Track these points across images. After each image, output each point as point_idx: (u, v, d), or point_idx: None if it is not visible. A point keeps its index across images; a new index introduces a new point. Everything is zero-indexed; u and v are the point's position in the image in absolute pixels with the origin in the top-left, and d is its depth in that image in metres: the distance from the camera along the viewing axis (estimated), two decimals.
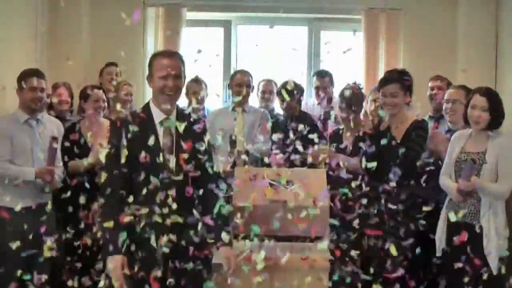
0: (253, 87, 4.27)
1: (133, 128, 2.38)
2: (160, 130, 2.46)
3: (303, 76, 5.13)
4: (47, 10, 4.53)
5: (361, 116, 3.69)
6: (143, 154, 2.34)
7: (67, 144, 3.54)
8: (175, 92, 2.46)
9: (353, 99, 3.54)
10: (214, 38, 5.26)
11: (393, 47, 4.86)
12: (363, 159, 3.18)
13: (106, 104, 3.71)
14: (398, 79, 3.21)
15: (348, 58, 5.18)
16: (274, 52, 5.28)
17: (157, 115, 2.48)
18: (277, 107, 4.59)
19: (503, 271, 2.92)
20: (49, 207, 3.26)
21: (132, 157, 2.35)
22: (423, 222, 3.20)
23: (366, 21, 4.88)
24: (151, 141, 2.37)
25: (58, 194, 3.51)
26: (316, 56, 5.19)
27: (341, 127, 3.71)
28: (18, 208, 3.14)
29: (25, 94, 3.25)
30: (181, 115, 2.54)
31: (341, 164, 3.36)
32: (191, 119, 2.55)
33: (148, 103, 2.54)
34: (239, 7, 5.06)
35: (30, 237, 3.18)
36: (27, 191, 3.20)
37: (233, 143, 3.74)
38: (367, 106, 4.04)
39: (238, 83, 4.08)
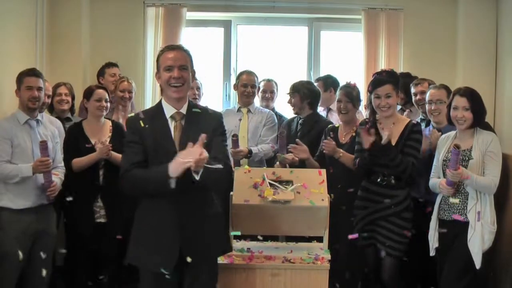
0: (259, 87, 4.28)
1: (144, 123, 2.43)
2: (171, 124, 2.48)
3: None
4: (46, 10, 4.52)
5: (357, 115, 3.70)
6: (156, 148, 2.39)
7: (69, 143, 3.54)
8: (182, 84, 2.45)
9: (355, 98, 3.56)
10: (214, 38, 5.25)
11: (393, 47, 4.84)
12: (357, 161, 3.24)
13: (108, 104, 3.69)
14: (391, 80, 3.20)
15: (348, 58, 5.19)
16: (274, 52, 5.29)
17: (168, 110, 2.50)
18: (278, 107, 4.59)
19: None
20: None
21: (146, 151, 2.42)
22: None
23: (366, 21, 4.87)
24: (163, 134, 2.42)
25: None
26: (316, 56, 5.18)
27: (336, 125, 3.72)
28: (20, 208, 3.15)
29: (23, 93, 3.23)
30: (193, 108, 2.54)
31: (336, 156, 3.39)
32: (207, 114, 2.56)
33: (160, 100, 2.57)
34: (239, 7, 5.05)
35: (32, 236, 3.19)
36: (29, 192, 3.19)
37: (235, 142, 3.73)
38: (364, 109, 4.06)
39: (244, 83, 4.08)
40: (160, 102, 2.56)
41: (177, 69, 2.44)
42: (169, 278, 2.41)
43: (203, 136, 2.28)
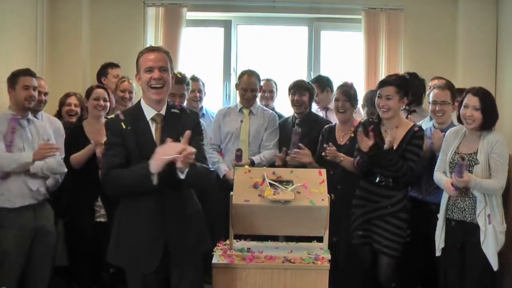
0: (261, 87, 4.19)
1: (126, 125, 2.42)
2: (153, 126, 2.48)
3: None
4: (46, 10, 4.52)
5: (353, 115, 3.69)
6: (138, 150, 2.39)
7: (70, 143, 3.54)
8: (163, 85, 2.46)
9: (353, 96, 3.56)
10: (214, 38, 5.25)
11: (393, 47, 4.85)
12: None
13: (108, 103, 3.68)
14: (395, 83, 3.19)
15: (348, 58, 5.19)
16: (274, 52, 5.29)
17: (148, 112, 2.49)
18: (277, 106, 4.60)
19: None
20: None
21: (127, 153, 2.41)
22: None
23: (366, 21, 4.87)
24: (144, 137, 2.42)
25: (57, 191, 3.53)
26: (316, 56, 5.18)
27: (332, 124, 3.72)
28: (17, 206, 3.14)
29: (18, 93, 3.21)
30: (172, 109, 2.54)
31: (338, 161, 3.39)
32: (185, 114, 2.56)
33: (139, 101, 2.56)
34: (239, 7, 5.06)
35: (31, 234, 3.19)
36: (25, 190, 3.18)
37: (239, 157, 3.67)
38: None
39: (244, 87, 3.99)
40: (139, 103, 2.55)
41: (158, 70, 2.44)
42: (155, 277, 2.43)
43: (187, 133, 2.30)
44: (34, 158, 3.12)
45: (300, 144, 3.56)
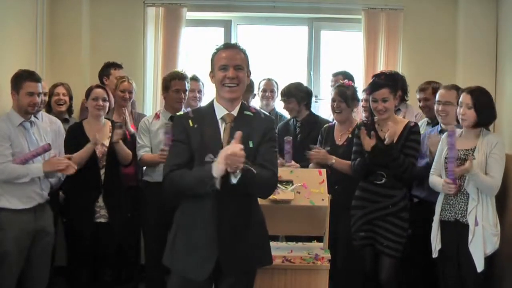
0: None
1: (193, 123, 2.34)
2: (221, 126, 2.37)
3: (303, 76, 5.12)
4: (47, 10, 4.52)
5: (353, 115, 3.69)
6: (203, 149, 2.28)
7: (70, 143, 3.54)
8: (237, 84, 2.33)
9: (350, 97, 3.55)
10: (214, 38, 5.25)
11: (393, 47, 4.84)
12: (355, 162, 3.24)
13: (107, 103, 3.67)
14: (388, 84, 3.21)
15: (348, 58, 5.19)
16: (274, 52, 5.29)
17: (219, 111, 2.39)
18: (277, 106, 4.59)
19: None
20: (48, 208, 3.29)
21: (192, 151, 2.32)
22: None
23: (366, 21, 4.87)
24: (211, 136, 2.31)
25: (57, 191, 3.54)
26: (316, 56, 5.18)
27: (331, 124, 3.72)
28: (18, 208, 3.14)
29: (22, 98, 3.18)
30: (245, 111, 2.42)
31: (329, 163, 3.39)
32: (259, 117, 2.43)
33: (212, 100, 2.45)
34: (239, 7, 5.06)
35: (31, 235, 3.19)
36: (26, 192, 3.18)
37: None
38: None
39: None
40: (211, 102, 2.44)
41: (233, 68, 2.32)
42: (201, 285, 2.31)
43: (238, 133, 2.16)
44: (44, 170, 3.13)
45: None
